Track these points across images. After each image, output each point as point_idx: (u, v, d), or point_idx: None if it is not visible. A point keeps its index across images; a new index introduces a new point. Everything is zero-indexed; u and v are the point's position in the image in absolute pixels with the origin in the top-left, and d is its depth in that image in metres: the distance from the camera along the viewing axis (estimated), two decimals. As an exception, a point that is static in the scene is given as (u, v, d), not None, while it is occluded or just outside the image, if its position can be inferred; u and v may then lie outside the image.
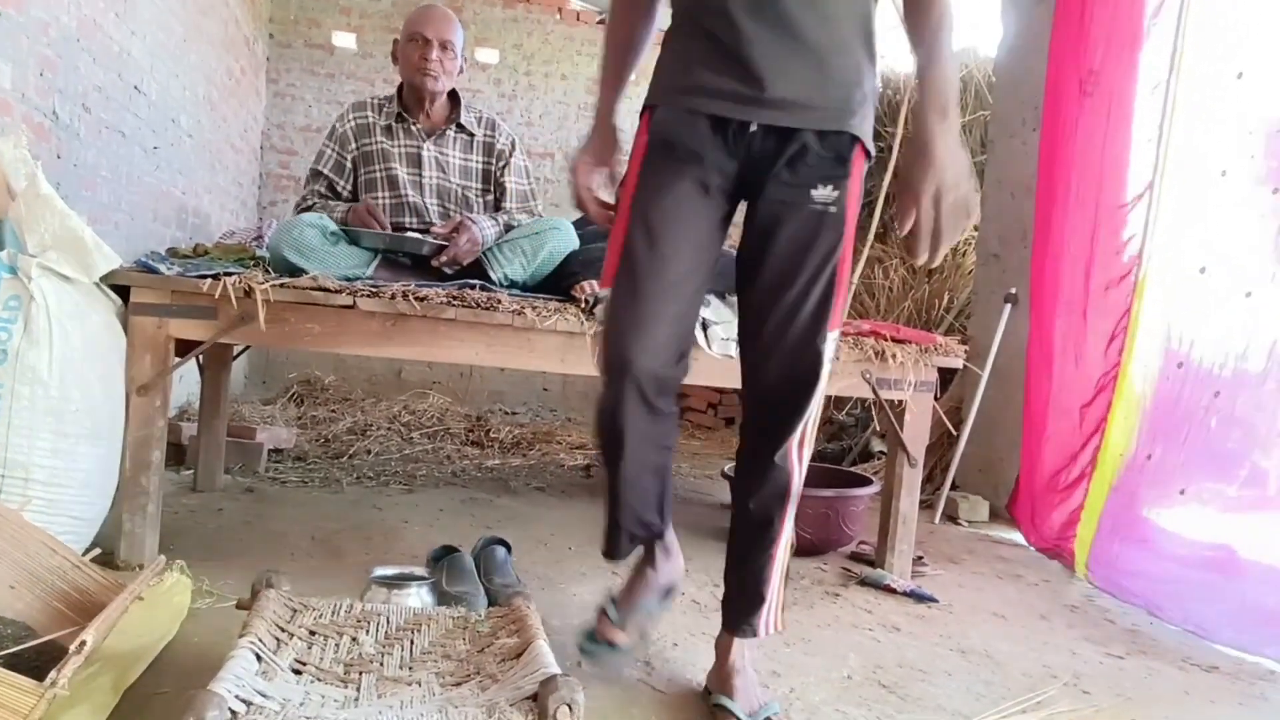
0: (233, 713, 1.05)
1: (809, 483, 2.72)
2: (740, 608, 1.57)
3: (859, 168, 1.42)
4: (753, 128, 1.36)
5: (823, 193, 1.38)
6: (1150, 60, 2.61)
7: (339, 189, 2.59)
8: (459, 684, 1.25)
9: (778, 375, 1.46)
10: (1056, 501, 2.80)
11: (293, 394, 4.60)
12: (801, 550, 2.50)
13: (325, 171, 2.59)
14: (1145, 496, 2.52)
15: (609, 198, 1.55)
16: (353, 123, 2.59)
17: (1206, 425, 2.39)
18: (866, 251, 4.21)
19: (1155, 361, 2.56)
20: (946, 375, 3.44)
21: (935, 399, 2.48)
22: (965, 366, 2.64)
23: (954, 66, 1.38)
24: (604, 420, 1.43)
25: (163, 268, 2.07)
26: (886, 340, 2.36)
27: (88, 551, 1.69)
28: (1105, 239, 2.70)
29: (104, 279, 1.95)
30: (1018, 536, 3.08)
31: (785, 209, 1.39)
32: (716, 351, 2.20)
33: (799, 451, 1.50)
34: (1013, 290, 3.39)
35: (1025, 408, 3.04)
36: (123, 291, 2.01)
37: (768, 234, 1.41)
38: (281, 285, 2.00)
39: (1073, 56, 2.81)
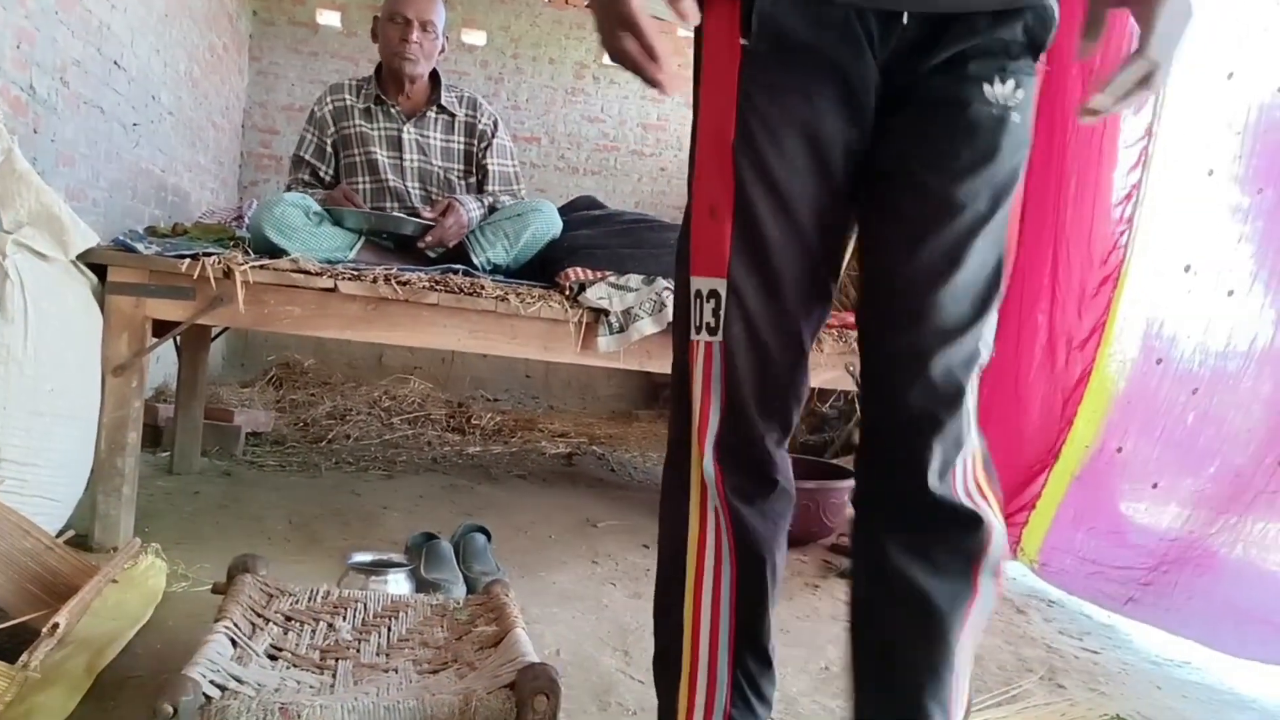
0: (207, 698, 1.04)
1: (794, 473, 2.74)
2: None
3: (1043, 69, 1.00)
4: (904, 19, 0.92)
5: (1000, 90, 0.93)
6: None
7: (322, 175, 2.56)
8: (436, 671, 1.25)
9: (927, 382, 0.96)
10: (1015, 490, 2.82)
11: (271, 377, 4.56)
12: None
13: (307, 157, 2.56)
14: (1117, 489, 2.54)
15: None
16: (330, 106, 2.55)
17: (1183, 421, 2.41)
18: (852, 244, 4.22)
19: (1132, 355, 2.58)
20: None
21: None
22: (949, 361, 2.65)
23: None
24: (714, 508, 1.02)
25: (141, 246, 2.04)
26: (870, 333, 2.36)
27: (61, 533, 1.67)
28: (1098, 238, 2.72)
29: (81, 257, 1.92)
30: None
31: (943, 112, 0.94)
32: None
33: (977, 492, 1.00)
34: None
35: (990, 398, 3.06)
36: (100, 270, 1.98)
37: (911, 153, 0.95)
38: (261, 267, 1.98)
39: (1071, 51, 2.82)
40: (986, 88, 0.93)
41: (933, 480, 0.95)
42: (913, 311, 0.95)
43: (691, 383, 1.01)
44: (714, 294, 0.97)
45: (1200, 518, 2.35)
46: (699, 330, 0.99)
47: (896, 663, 1.00)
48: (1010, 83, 0.93)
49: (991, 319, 0.98)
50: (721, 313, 0.97)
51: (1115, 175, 2.70)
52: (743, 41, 0.94)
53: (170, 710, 1.00)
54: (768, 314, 0.98)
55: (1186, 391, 2.40)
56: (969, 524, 0.96)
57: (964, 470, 0.98)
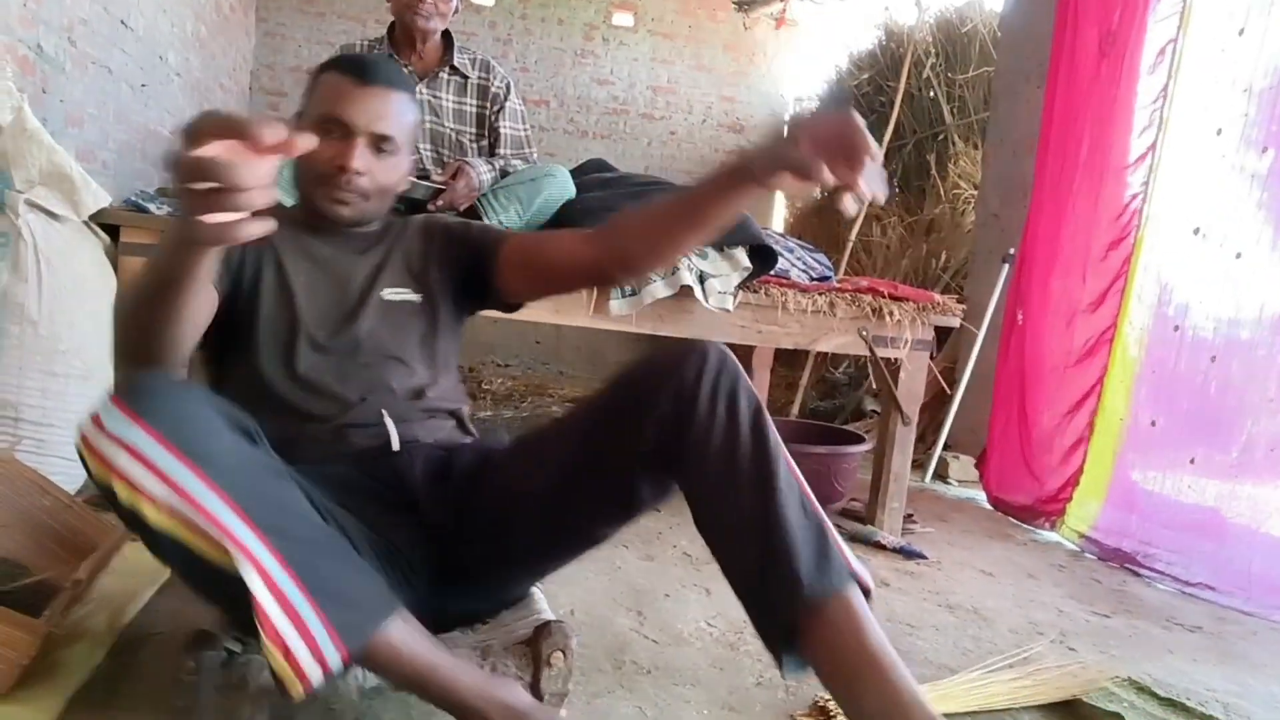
0: (229, 652, 1.05)
1: (801, 439, 2.75)
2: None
3: None
4: None
5: None
6: (1160, 18, 2.58)
7: (334, 135, 2.54)
8: (454, 628, 1.25)
9: None
10: (1053, 464, 2.82)
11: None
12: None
13: (317, 115, 2.54)
14: (1154, 463, 2.53)
15: None
16: (343, 65, 2.52)
17: (1206, 392, 2.39)
18: (864, 209, 4.19)
19: (1146, 323, 2.57)
20: (942, 334, 3.45)
21: (930, 358, 2.48)
22: (962, 326, 2.64)
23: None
24: None
25: (152, 207, 2.04)
26: (884, 297, 2.34)
27: (79, 492, 1.68)
28: (1110, 199, 2.69)
29: (93, 217, 1.91)
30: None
31: None
32: (712, 304, 2.19)
33: None
34: (1011, 251, 3.37)
35: (1001, 366, 3.05)
36: (112, 231, 1.97)
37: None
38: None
39: (1091, 15, 2.77)
40: None
41: None
42: None
43: None
44: None
45: (1224, 490, 2.35)
46: None
47: None
48: None
49: None
50: None
51: (1131, 138, 2.67)
52: None
53: (193, 665, 1.01)
54: None
55: (1206, 359, 2.38)
56: None
57: None
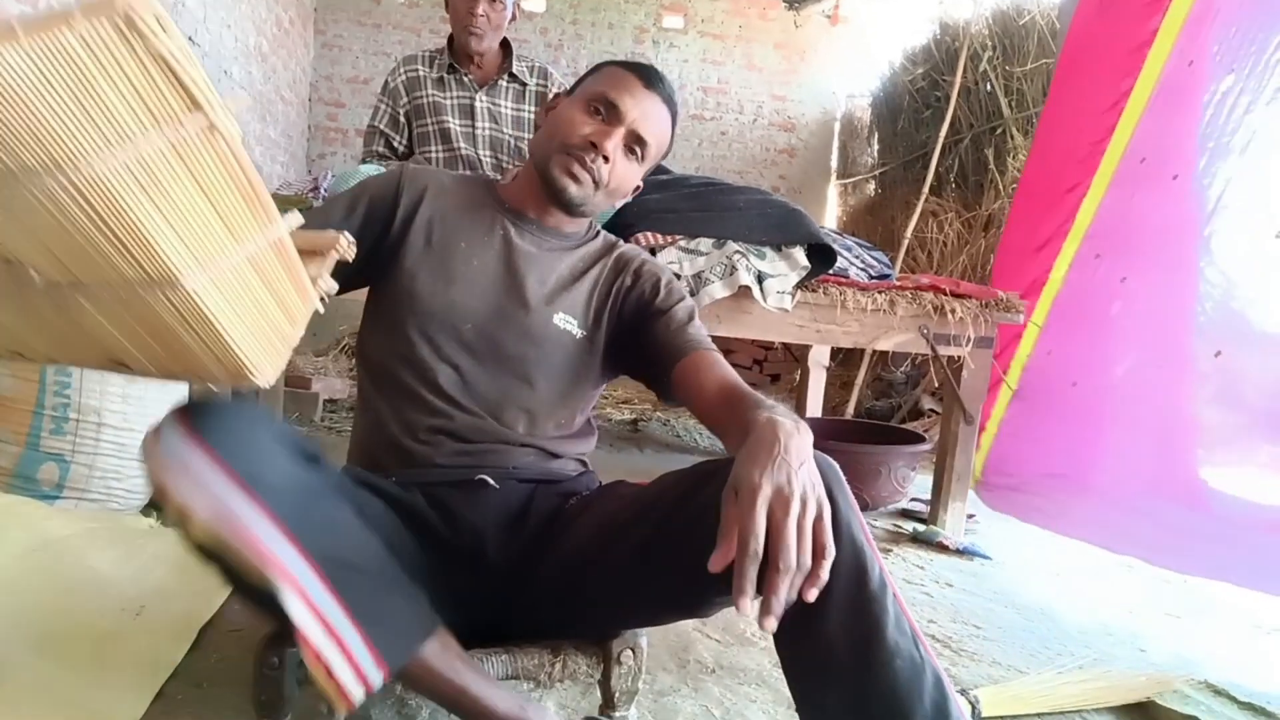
0: (309, 649, 1.08)
1: (861, 439, 2.73)
2: None
3: None
4: None
5: None
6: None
7: (395, 144, 2.60)
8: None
9: None
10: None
11: (343, 345, 4.66)
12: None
13: (381, 127, 2.60)
14: (1042, 396, 2.49)
15: None
16: (403, 76, 2.58)
17: (1108, 311, 2.35)
18: (921, 205, 4.14)
19: (1075, 249, 2.54)
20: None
21: (995, 356, 2.44)
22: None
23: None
24: None
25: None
26: (946, 295, 2.32)
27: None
28: (1080, 141, 2.62)
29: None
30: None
31: None
32: (771, 304, 2.18)
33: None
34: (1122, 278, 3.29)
35: None
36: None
37: None
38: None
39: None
40: None
41: None
42: None
43: None
44: None
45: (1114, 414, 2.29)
46: None
47: None
48: None
49: None
50: None
51: (1112, 78, 2.58)
52: None
53: (276, 661, 1.04)
54: None
55: (1116, 280, 2.32)
56: None
57: None
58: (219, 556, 0.88)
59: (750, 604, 0.76)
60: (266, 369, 0.77)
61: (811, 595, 0.79)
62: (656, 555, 1.01)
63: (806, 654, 0.91)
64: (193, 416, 0.89)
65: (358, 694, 0.88)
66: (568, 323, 1.24)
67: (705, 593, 0.99)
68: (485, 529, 1.15)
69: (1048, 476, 2.55)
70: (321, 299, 0.82)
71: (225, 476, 0.86)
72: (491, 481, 1.17)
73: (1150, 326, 2.39)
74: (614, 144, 1.20)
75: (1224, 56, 2.21)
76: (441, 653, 0.98)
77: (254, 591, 0.87)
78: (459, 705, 0.99)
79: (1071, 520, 2.31)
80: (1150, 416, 2.41)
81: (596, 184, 1.22)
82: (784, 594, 0.77)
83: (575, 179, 1.21)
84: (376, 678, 0.89)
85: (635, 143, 1.22)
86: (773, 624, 0.77)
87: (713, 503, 0.86)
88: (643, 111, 1.21)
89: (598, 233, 1.36)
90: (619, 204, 1.38)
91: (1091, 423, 2.50)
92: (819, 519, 0.81)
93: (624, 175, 1.24)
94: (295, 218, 0.75)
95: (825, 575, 0.80)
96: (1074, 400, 2.52)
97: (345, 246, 0.84)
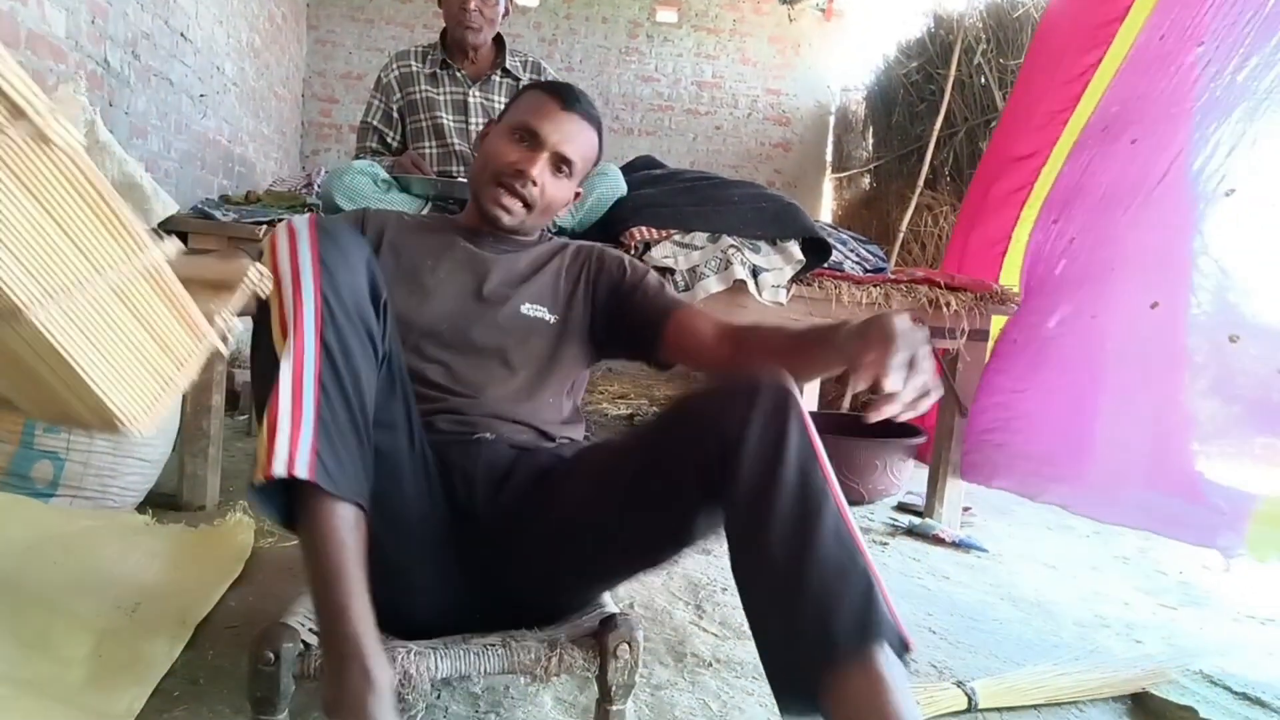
0: (305, 645, 1.08)
1: (855, 432, 2.73)
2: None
3: None
4: None
5: None
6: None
7: (389, 140, 2.59)
8: (521, 622, 1.27)
9: None
10: None
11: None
12: (849, 500, 2.50)
13: (374, 124, 2.58)
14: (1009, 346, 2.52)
15: None
16: (396, 72, 2.57)
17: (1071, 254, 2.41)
18: (916, 198, 4.14)
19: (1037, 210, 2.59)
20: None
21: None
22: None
23: None
24: None
25: (218, 214, 2.09)
26: (941, 288, 2.32)
27: (151, 493, 1.73)
28: (1043, 110, 2.65)
29: (162, 224, 1.97)
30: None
31: None
32: (766, 299, 2.18)
33: None
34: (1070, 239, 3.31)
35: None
36: (180, 237, 2.03)
37: None
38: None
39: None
40: None
41: None
42: None
43: None
44: None
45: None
46: None
47: None
48: None
49: None
50: None
51: (1078, 53, 2.58)
52: None
53: (272, 657, 1.04)
54: None
55: (1065, 240, 2.36)
56: None
57: None
58: (265, 313, 0.98)
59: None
60: (141, 417, 0.70)
61: (904, 416, 1.01)
62: (642, 483, 1.08)
63: (751, 561, 1.02)
64: (319, 222, 1.03)
65: (279, 471, 0.89)
66: (537, 310, 1.32)
67: (688, 515, 1.07)
68: (476, 476, 1.20)
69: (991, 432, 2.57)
70: (224, 338, 0.76)
71: (313, 258, 0.99)
72: (489, 436, 1.24)
73: (1089, 277, 2.40)
74: (539, 169, 1.31)
75: (1194, 30, 2.21)
76: (344, 528, 0.94)
77: (263, 361, 0.97)
78: (324, 586, 0.92)
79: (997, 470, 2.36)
80: (1074, 367, 2.42)
81: (530, 206, 1.33)
82: (890, 411, 0.99)
83: (506, 210, 1.32)
84: (301, 473, 0.90)
85: (561, 163, 1.33)
86: (874, 418, 1.00)
87: (683, 424, 1.05)
88: (564, 134, 1.31)
89: (551, 237, 1.48)
90: (562, 215, 1.51)
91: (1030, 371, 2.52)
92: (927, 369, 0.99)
93: (554, 194, 1.35)
94: (173, 244, 0.68)
95: (925, 407, 1.01)
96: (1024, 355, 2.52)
97: (257, 279, 0.81)
